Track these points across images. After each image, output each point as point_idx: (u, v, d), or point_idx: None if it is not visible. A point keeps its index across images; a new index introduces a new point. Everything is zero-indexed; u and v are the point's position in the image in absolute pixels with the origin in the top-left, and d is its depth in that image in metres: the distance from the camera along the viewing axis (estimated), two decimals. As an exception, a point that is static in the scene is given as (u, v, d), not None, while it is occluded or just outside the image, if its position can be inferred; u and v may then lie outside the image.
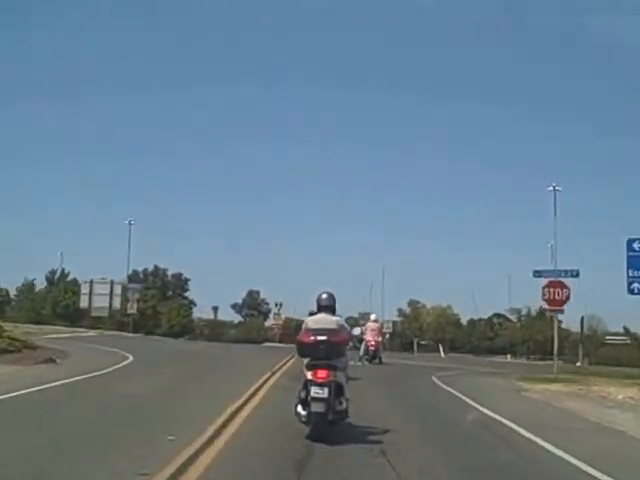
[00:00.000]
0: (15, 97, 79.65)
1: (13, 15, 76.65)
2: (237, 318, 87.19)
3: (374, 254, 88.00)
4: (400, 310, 66.25)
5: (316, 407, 8.14)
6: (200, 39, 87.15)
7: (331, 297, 9.15)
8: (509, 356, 58.82)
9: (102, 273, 53.63)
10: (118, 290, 48.18)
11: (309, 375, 8.37)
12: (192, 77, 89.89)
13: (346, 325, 9.47)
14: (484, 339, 61.61)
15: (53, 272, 65.39)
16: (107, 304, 47.49)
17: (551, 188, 65.47)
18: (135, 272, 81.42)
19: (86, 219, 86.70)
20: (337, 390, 8.40)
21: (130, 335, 42.44)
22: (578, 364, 41.07)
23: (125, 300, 47.15)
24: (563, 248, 60.84)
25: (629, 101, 79.20)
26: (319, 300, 9.08)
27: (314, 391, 8.19)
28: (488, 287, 77.55)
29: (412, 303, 65.47)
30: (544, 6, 71.03)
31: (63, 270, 65.46)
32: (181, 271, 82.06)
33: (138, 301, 48.87)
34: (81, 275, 60.16)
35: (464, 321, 63.59)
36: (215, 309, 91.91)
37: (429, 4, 76.15)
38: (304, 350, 8.68)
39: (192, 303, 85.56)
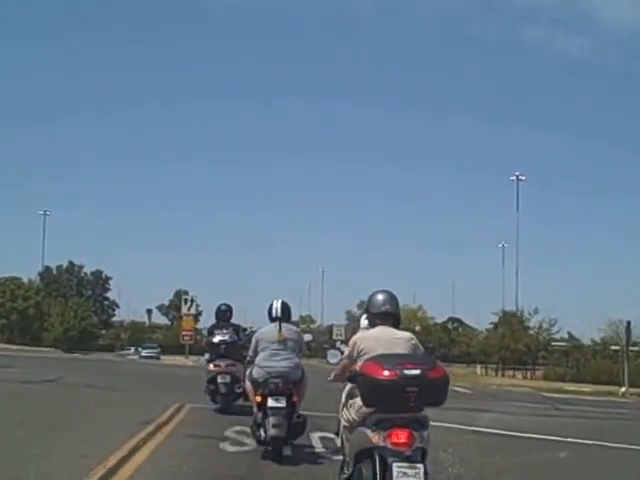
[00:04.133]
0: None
1: None
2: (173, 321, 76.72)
3: (312, 255, 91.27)
4: (349, 312, 57.33)
5: None
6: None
7: (393, 298, 5.36)
8: (479, 367, 50.56)
9: (14, 270, 45.35)
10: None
11: (379, 439, 4.58)
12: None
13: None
14: (441, 346, 51.85)
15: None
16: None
17: (514, 178, 55.25)
18: (48, 268, 70.72)
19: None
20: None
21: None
22: (623, 390, 28.67)
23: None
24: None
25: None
26: (373, 304, 5.28)
27: (399, 470, 4.40)
28: (432, 290, 71.60)
29: (363, 305, 55.39)
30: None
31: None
32: (101, 268, 71.90)
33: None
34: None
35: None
36: (149, 312, 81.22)
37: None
38: (378, 395, 4.62)
39: (114, 304, 75.15)
